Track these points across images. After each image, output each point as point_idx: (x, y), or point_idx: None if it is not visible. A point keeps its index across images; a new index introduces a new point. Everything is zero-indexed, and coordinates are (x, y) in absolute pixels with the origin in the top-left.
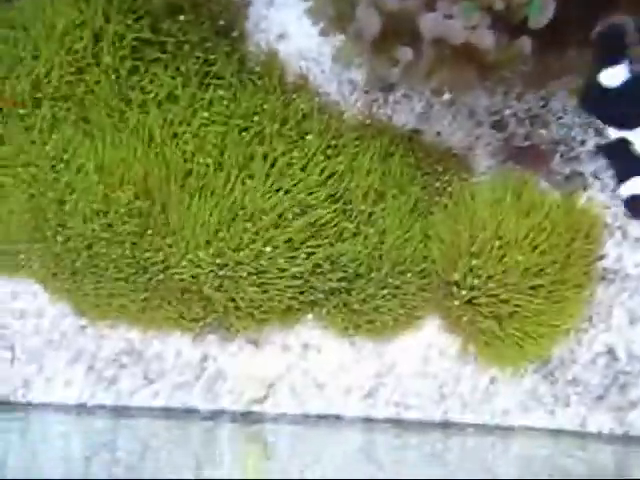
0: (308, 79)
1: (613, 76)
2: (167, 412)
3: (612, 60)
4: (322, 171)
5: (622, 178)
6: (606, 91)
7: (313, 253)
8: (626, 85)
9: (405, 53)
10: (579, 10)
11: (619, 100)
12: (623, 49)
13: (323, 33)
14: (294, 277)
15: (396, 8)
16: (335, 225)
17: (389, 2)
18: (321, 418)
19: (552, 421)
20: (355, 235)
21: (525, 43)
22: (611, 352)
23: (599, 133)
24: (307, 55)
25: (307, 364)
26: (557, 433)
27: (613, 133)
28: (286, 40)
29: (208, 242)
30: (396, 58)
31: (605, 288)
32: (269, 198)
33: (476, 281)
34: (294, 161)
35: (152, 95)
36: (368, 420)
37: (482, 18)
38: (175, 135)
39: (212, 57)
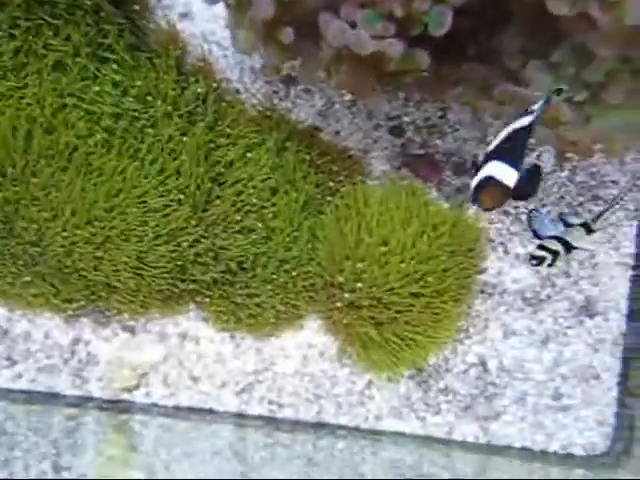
0: (209, 63)
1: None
2: (29, 395)
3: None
4: (211, 159)
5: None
6: None
7: (197, 241)
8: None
9: (288, 34)
10: (473, 25)
11: None
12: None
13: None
14: (174, 264)
15: None
16: (223, 217)
17: None
18: (193, 411)
19: (422, 428)
20: (243, 228)
21: (423, 56)
22: (483, 364)
23: None
24: (210, 38)
25: (184, 355)
26: (425, 440)
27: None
28: (189, 20)
29: (89, 222)
30: (287, 46)
31: (483, 301)
32: (155, 183)
33: (359, 284)
34: (183, 147)
35: (45, 61)
36: (241, 416)
37: (388, 27)
38: (64, 106)
39: (106, 27)
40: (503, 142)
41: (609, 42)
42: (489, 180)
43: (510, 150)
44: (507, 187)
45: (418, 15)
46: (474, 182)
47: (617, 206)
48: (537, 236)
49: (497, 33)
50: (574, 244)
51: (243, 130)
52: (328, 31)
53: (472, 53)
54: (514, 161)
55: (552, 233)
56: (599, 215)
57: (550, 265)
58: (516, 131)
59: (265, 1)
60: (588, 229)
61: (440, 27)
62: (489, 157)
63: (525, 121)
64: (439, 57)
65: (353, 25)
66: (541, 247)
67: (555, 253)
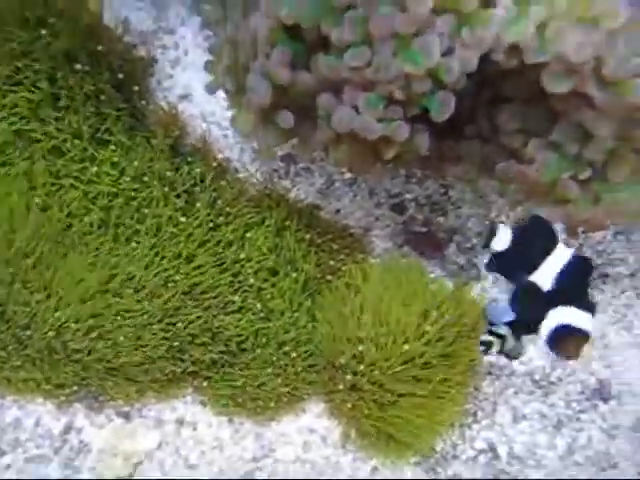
0: (208, 143)
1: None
2: None
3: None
4: (210, 240)
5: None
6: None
7: (191, 322)
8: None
9: (287, 119)
10: (470, 106)
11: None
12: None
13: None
14: (170, 345)
15: (287, 81)
16: (219, 296)
17: (281, 75)
18: None
19: None
20: (241, 309)
21: (423, 140)
22: (493, 450)
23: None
24: (210, 118)
25: (180, 442)
26: None
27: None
28: (189, 101)
29: (82, 301)
30: (285, 129)
31: (491, 383)
32: (152, 264)
33: (361, 367)
34: (181, 227)
35: (40, 145)
36: None
37: (396, 111)
38: (60, 188)
39: (106, 111)
40: (559, 284)
41: (606, 121)
42: (568, 329)
43: (573, 291)
44: (586, 332)
45: (417, 97)
46: (546, 331)
47: None
48: (490, 323)
49: (495, 113)
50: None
51: (242, 209)
52: (334, 116)
53: (471, 132)
54: (582, 302)
55: (505, 319)
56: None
57: (500, 352)
58: (568, 268)
59: (262, 86)
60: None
61: (443, 113)
62: (550, 302)
63: (567, 254)
64: (438, 136)
65: (356, 109)
66: (489, 332)
67: (502, 337)
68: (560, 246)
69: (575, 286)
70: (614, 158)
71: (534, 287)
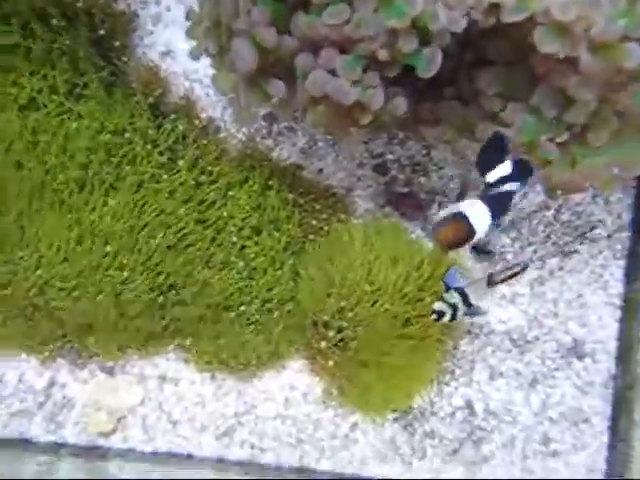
0: (190, 101)
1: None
2: (0, 442)
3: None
4: (192, 198)
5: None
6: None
7: (177, 280)
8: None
9: (278, 88)
10: (451, 67)
11: None
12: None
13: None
14: (152, 300)
15: (273, 45)
16: (202, 252)
17: (266, 38)
18: (172, 456)
19: (408, 472)
20: (224, 266)
21: (400, 103)
22: (469, 407)
23: (476, 187)
24: (192, 76)
25: (163, 397)
26: None
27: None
28: (171, 58)
29: (64, 260)
30: (269, 93)
31: (470, 342)
32: (132, 219)
33: (344, 323)
34: (162, 185)
35: (12, 98)
36: (221, 461)
37: (373, 77)
38: (36, 144)
39: (83, 67)
40: (497, 194)
41: (590, 85)
42: (460, 216)
43: (498, 203)
44: (473, 231)
45: (402, 56)
46: (443, 213)
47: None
48: (446, 288)
49: (476, 75)
50: (472, 299)
51: (225, 168)
52: (308, 79)
53: (450, 94)
54: (495, 214)
55: (457, 285)
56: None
57: (452, 320)
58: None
59: (248, 51)
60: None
61: (429, 69)
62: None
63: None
64: (416, 98)
65: (333, 72)
66: (441, 299)
67: (454, 307)
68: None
69: (502, 202)
70: (595, 121)
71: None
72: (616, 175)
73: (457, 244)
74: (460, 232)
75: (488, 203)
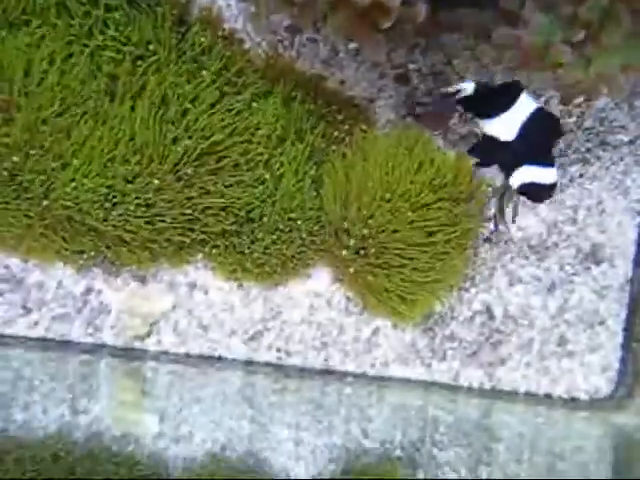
0: (213, 12)
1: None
2: (44, 343)
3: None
4: (218, 108)
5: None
6: None
7: (207, 192)
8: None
9: None
10: None
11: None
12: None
13: None
14: (184, 213)
15: None
16: (232, 164)
17: None
18: (203, 359)
19: (428, 374)
20: (250, 178)
21: (421, 9)
22: (488, 311)
23: None
24: None
25: (193, 304)
26: (431, 385)
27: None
28: None
29: (96, 172)
30: None
31: (489, 249)
32: (160, 130)
33: (366, 231)
34: (187, 94)
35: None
36: (249, 363)
37: None
38: (71, 55)
39: None
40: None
41: None
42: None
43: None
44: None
45: None
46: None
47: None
48: None
49: None
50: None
51: (249, 79)
52: None
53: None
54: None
55: None
56: None
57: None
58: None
59: None
60: None
61: None
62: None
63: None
64: (433, 3)
65: None
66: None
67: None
68: (523, 97)
69: (539, 142)
70: (609, 19)
71: (492, 140)
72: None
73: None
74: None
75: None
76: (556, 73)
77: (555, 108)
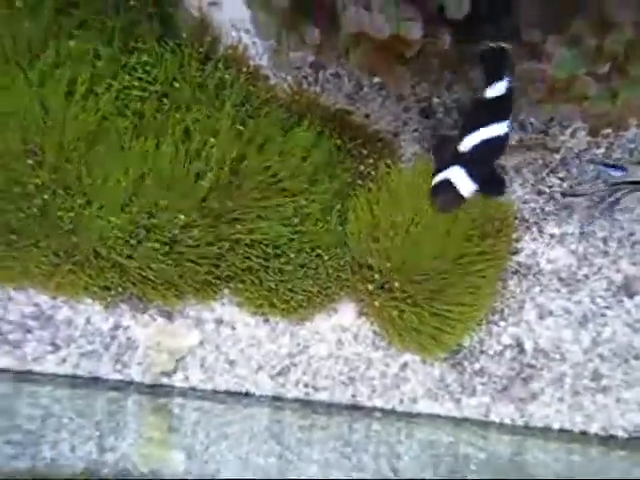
0: (238, 50)
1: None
2: (73, 380)
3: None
4: (241, 140)
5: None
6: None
7: (234, 227)
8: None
9: (312, 33)
10: (487, 8)
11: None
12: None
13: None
14: (209, 249)
15: None
16: (259, 199)
17: None
18: (230, 395)
19: (457, 410)
20: (278, 213)
21: (445, 38)
22: (519, 345)
23: (524, 128)
24: (239, 25)
25: (220, 339)
26: (462, 422)
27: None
28: (218, 8)
29: (122, 207)
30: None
31: (518, 282)
32: (183, 165)
33: (389, 264)
34: (209, 130)
35: (73, 49)
36: (277, 399)
37: (406, 10)
38: (96, 94)
39: (137, 18)
40: (474, 150)
41: (624, 5)
42: (447, 185)
43: (477, 161)
44: (461, 196)
45: None
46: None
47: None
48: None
49: (514, 8)
50: None
51: (273, 114)
52: (345, 16)
53: (491, 30)
54: (477, 174)
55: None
56: None
57: None
58: (489, 141)
59: None
60: None
61: (459, 9)
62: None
63: (500, 130)
64: (457, 36)
65: (368, 8)
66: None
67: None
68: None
69: (482, 159)
70: (634, 50)
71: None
72: None
73: (451, 209)
74: (450, 201)
75: (466, 167)
76: (582, 105)
77: (583, 139)
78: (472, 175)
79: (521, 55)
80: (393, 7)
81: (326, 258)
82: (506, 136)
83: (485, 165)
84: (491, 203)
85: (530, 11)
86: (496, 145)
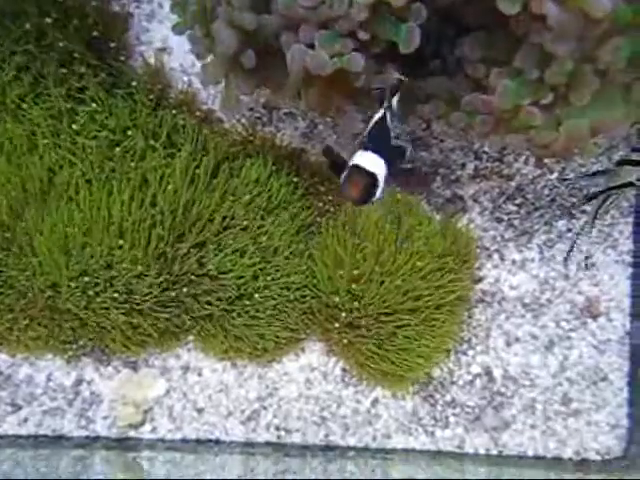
0: (190, 94)
1: None
2: (35, 441)
3: None
4: (197, 183)
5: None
6: None
7: (184, 268)
8: None
9: (250, 58)
10: (434, 39)
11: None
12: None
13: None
14: (166, 296)
15: (253, 26)
16: (214, 240)
17: (245, 19)
18: (200, 443)
19: (432, 443)
20: (235, 252)
21: (393, 73)
22: (488, 373)
23: (478, 157)
24: (190, 70)
25: (187, 387)
26: (436, 455)
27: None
28: (168, 54)
29: (73, 259)
30: (253, 73)
31: (483, 310)
32: (138, 213)
33: (356, 304)
34: (165, 176)
35: (10, 100)
36: (248, 444)
37: (346, 44)
38: (37, 147)
39: (82, 69)
40: (368, 135)
41: (564, 40)
42: (356, 169)
43: (375, 140)
44: (373, 174)
45: (381, 33)
46: (342, 176)
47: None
48: None
49: (458, 44)
50: None
51: (227, 156)
52: (288, 54)
53: (437, 67)
54: (380, 149)
55: None
56: None
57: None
58: (377, 123)
59: (227, 35)
60: None
61: (409, 44)
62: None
63: (380, 113)
64: (405, 74)
65: (312, 47)
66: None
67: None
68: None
69: (377, 137)
70: (576, 80)
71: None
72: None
73: (366, 195)
74: (363, 182)
75: (367, 148)
76: (528, 134)
77: (533, 168)
78: (375, 152)
79: (466, 88)
80: (334, 43)
81: (291, 297)
82: (383, 118)
83: (383, 142)
84: (452, 233)
85: (473, 47)
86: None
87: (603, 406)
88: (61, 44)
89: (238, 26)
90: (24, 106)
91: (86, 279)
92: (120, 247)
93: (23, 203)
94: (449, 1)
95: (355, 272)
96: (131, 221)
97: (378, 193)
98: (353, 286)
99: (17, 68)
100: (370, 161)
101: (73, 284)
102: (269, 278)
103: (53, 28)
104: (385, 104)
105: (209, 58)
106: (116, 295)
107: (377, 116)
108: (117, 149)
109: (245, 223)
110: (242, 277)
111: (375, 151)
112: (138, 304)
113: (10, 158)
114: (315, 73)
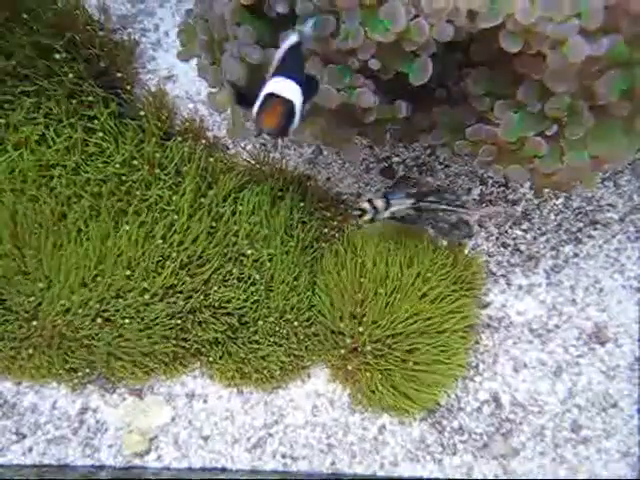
0: (196, 122)
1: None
2: (40, 470)
3: None
4: (202, 214)
5: None
6: None
7: (190, 297)
8: None
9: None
10: (440, 71)
11: None
12: None
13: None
14: (173, 324)
15: (259, 60)
16: (217, 269)
17: (252, 54)
18: (206, 471)
19: (440, 470)
20: (240, 280)
21: (402, 105)
22: (496, 400)
23: (484, 182)
24: (196, 98)
25: (192, 414)
26: None
27: None
28: (174, 82)
29: (84, 286)
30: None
31: (490, 336)
32: (145, 244)
33: (361, 328)
34: (172, 206)
35: (24, 136)
36: (255, 472)
37: (356, 78)
38: (51, 178)
39: (89, 99)
40: (282, 62)
41: (562, 78)
42: (270, 97)
43: (289, 67)
44: (290, 101)
45: (394, 66)
46: (255, 107)
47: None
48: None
49: (464, 77)
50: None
51: (233, 183)
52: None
53: (442, 97)
54: (295, 76)
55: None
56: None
57: (371, 220)
58: (290, 49)
59: (234, 66)
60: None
61: (421, 77)
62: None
63: (294, 39)
64: (410, 104)
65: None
66: (369, 201)
67: (375, 209)
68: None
69: (292, 63)
70: (571, 116)
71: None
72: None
73: (286, 123)
74: (280, 109)
75: (287, 76)
76: (532, 164)
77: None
78: (290, 78)
79: (469, 117)
80: (345, 79)
81: (296, 324)
82: (298, 44)
83: (298, 69)
84: (459, 258)
85: (478, 81)
86: (295, 52)
87: (613, 433)
88: (71, 75)
89: (246, 59)
90: (35, 138)
91: (97, 306)
92: (129, 277)
93: (30, 233)
94: (457, 39)
95: (358, 295)
96: (137, 251)
97: (296, 122)
98: (357, 310)
99: (29, 108)
100: (285, 87)
101: (84, 311)
102: (273, 305)
103: (63, 63)
104: (297, 27)
105: (217, 88)
106: (127, 322)
107: (289, 41)
108: (124, 178)
109: (250, 252)
110: (245, 305)
111: (289, 77)
112: (146, 331)
113: (23, 189)
114: (322, 105)
